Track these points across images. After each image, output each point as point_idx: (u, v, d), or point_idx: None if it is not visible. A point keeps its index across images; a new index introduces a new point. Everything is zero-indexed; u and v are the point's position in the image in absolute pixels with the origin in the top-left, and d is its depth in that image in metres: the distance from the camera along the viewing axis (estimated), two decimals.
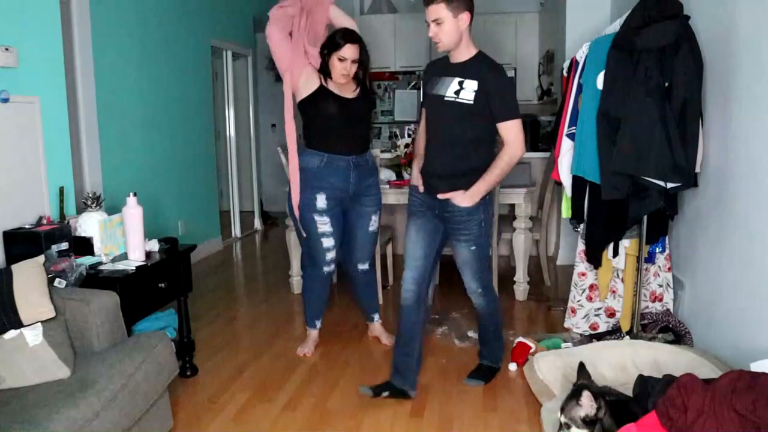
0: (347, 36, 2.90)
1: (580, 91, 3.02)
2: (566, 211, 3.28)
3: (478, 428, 2.48)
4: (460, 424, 2.51)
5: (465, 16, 2.44)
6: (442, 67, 2.61)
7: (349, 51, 2.88)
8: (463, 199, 2.56)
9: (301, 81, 2.96)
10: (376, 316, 3.44)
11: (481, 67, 2.49)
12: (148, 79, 4.56)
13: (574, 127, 3.03)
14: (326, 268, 3.14)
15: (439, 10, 2.41)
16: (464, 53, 2.52)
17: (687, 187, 2.75)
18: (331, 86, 2.96)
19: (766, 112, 2.30)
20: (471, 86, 2.47)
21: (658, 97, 2.60)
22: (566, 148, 3.10)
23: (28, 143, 2.69)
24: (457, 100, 2.49)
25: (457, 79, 2.50)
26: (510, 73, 7.43)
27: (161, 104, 4.76)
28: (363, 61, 2.97)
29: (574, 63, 3.19)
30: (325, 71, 2.96)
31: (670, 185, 2.66)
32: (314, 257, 3.14)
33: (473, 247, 2.66)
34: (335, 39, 2.91)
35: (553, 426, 2.18)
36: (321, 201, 2.99)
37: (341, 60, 2.89)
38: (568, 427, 2.03)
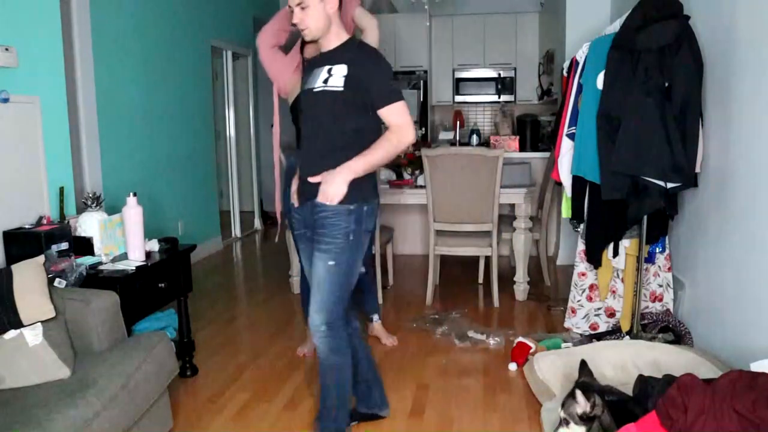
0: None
1: (580, 91, 3.02)
2: (566, 211, 3.28)
3: (478, 428, 2.48)
4: (460, 424, 2.51)
5: (332, 1, 2.13)
6: (313, 62, 2.29)
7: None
8: (333, 177, 2.09)
9: (290, 87, 2.94)
10: (376, 317, 3.45)
11: (350, 50, 2.17)
12: (148, 79, 4.56)
13: (574, 127, 3.04)
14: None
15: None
16: (334, 40, 2.19)
17: (687, 187, 2.75)
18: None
19: (766, 112, 2.30)
20: (340, 71, 2.12)
21: (658, 97, 2.60)
22: (566, 148, 3.10)
23: (28, 143, 2.69)
24: (326, 88, 2.13)
25: (326, 67, 2.16)
26: (510, 73, 7.46)
27: (161, 104, 4.76)
28: None
29: (574, 63, 3.19)
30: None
31: (670, 185, 2.66)
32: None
33: (331, 263, 2.12)
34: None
35: (552, 425, 2.18)
36: None
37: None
38: (567, 423, 2.04)
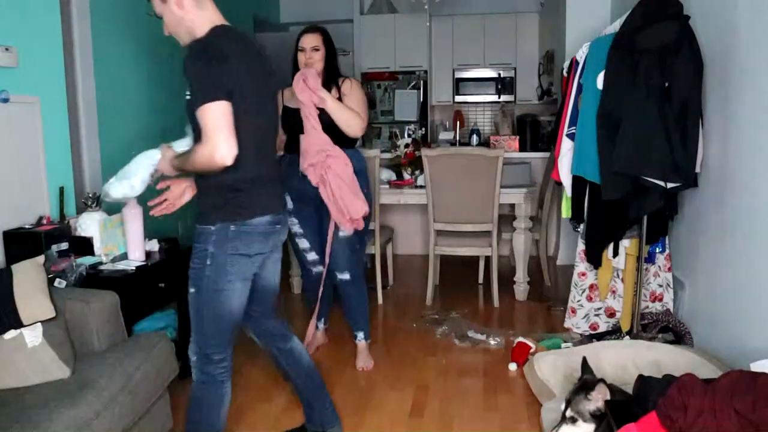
0: (308, 28, 2.92)
1: (580, 91, 3.02)
2: (566, 211, 3.28)
3: (478, 428, 2.48)
4: (460, 424, 2.51)
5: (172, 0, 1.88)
6: None
7: (308, 40, 2.88)
8: (163, 162, 2.03)
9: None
10: (360, 335, 3.12)
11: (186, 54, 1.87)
12: (149, 79, 4.56)
13: (574, 127, 3.04)
14: (313, 269, 3.12)
15: (154, 6, 1.95)
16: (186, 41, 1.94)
17: (687, 187, 2.75)
18: (292, 102, 2.91)
19: (766, 112, 2.30)
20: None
21: (658, 97, 2.60)
22: (566, 148, 3.10)
23: (28, 143, 2.69)
24: (186, 98, 1.90)
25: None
26: (510, 73, 7.44)
27: (161, 104, 4.75)
28: (329, 53, 2.92)
29: (574, 63, 3.19)
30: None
31: (670, 185, 2.66)
32: (298, 259, 3.16)
33: (192, 289, 1.95)
34: (299, 34, 2.92)
35: (551, 424, 2.18)
36: (288, 202, 2.97)
37: (300, 50, 2.89)
38: (574, 420, 2.00)
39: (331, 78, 2.93)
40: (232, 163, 1.79)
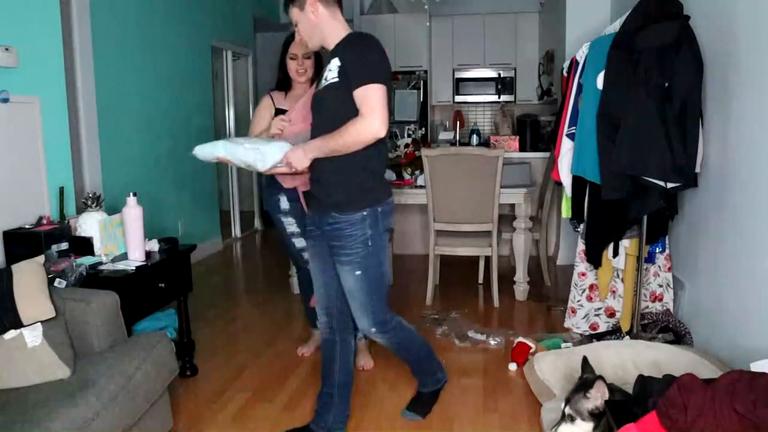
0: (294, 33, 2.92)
1: (580, 91, 3.02)
2: (566, 211, 3.28)
3: (478, 428, 2.48)
4: (460, 424, 2.51)
5: (312, 5, 2.14)
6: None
7: (299, 47, 2.87)
8: (293, 153, 2.15)
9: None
10: (359, 334, 2.96)
11: (341, 45, 2.15)
12: (148, 79, 4.56)
13: (574, 127, 3.04)
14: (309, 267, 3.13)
15: (291, 14, 2.23)
16: (332, 41, 2.19)
17: (687, 187, 2.75)
18: (285, 103, 2.94)
19: (766, 112, 2.30)
20: (335, 64, 2.12)
21: (658, 97, 2.60)
22: (566, 148, 3.10)
23: (28, 143, 2.69)
24: (327, 83, 2.15)
25: (328, 66, 2.17)
26: (510, 73, 7.45)
27: (161, 104, 4.76)
28: (317, 58, 2.93)
29: (574, 63, 3.19)
30: (285, 84, 2.96)
31: (670, 185, 2.66)
32: (295, 257, 3.16)
33: (358, 272, 2.16)
34: (287, 39, 2.91)
35: (550, 424, 2.18)
36: (284, 202, 2.98)
37: (292, 58, 2.89)
38: (572, 419, 2.00)
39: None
40: (376, 150, 2.12)
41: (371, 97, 2.01)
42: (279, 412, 2.63)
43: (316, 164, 2.16)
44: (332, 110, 2.12)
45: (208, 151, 2.33)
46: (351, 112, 2.05)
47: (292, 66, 2.90)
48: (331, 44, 2.18)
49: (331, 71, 2.12)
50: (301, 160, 2.14)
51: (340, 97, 2.09)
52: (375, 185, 2.19)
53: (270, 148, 2.23)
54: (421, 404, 2.58)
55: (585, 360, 2.23)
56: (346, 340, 2.39)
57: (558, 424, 2.06)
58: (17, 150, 2.63)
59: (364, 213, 2.14)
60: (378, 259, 2.19)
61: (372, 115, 2.00)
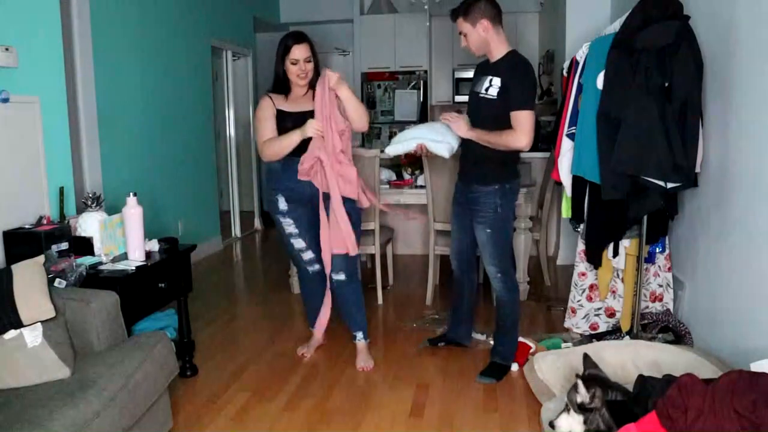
0: (295, 37, 2.90)
1: (580, 91, 3.02)
2: (566, 211, 3.28)
3: (478, 428, 2.48)
4: (460, 424, 2.51)
5: (483, 24, 2.69)
6: (483, 66, 2.87)
7: (300, 51, 2.87)
8: (459, 119, 2.83)
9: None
10: (359, 335, 3.13)
11: (504, 65, 2.73)
12: (148, 79, 4.56)
13: (574, 127, 3.03)
14: (309, 268, 3.13)
15: (461, 25, 2.74)
16: (495, 54, 2.77)
17: (687, 187, 2.75)
18: (286, 105, 2.95)
19: (766, 112, 2.30)
20: (496, 83, 2.72)
21: (658, 97, 2.60)
22: (566, 148, 3.10)
23: (28, 143, 2.69)
24: (485, 96, 2.76)
25: (489, 77, 2.75)
26: None
27: (161, 104, 4.75)
28: (315, 61, 2.95)
29: (574, 63, 3.19)
30: (283, 86, 2.96)
31: (670, 185, 2.66)
32: (294, 257, 3.16)
33: (488, 230, 2.83)
34: (284, 43, 2.90)
35: (548, 421, 2.18)
36: (282, 203, 2.98)
37: (294, 63, 2.88)
38: (567, 409, 2.06)
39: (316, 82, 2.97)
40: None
41: (524, 121, 2.66)
42: (279, 412, 2.63)
43: (473, 149, 2.82)
44: (490, 117, 2.76)
45: (401, 150, 3.07)
46: (500, 120, 2.71)
47: (293, 70, 2.89)
48: (494, 57, 2.77)
49: (493, 87, 2.73)
50: (464, 130, 2.80)
51: (494, 112, 2.74)
52: (505, 170, 2.83)
53: (452, 137, 2.91)
54: (497, 370, 2.92)
55: (586, 356, 2.23)
56: (471, 278, 3.15)
57: (560, 413, 2.09)
58: (17, 150, 2.63)
59: (496, 187, 2.80)
60: (504, 222, 2.87)
61: (523, 133, 2.66)
